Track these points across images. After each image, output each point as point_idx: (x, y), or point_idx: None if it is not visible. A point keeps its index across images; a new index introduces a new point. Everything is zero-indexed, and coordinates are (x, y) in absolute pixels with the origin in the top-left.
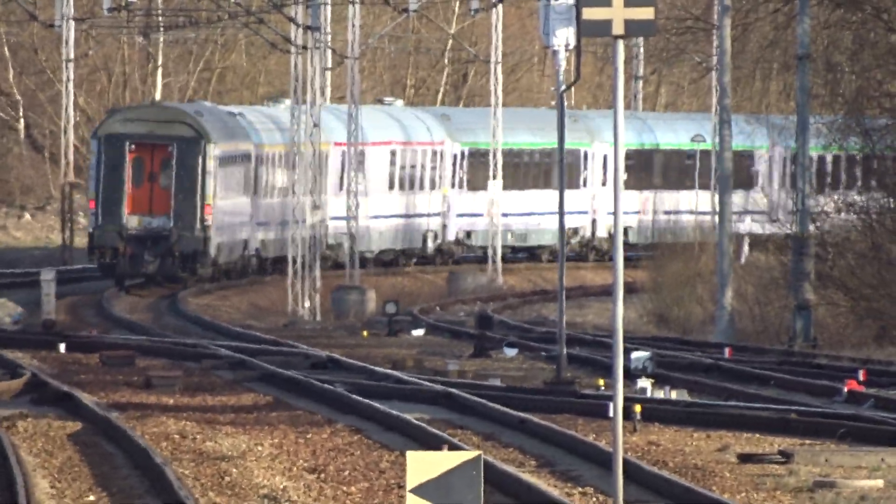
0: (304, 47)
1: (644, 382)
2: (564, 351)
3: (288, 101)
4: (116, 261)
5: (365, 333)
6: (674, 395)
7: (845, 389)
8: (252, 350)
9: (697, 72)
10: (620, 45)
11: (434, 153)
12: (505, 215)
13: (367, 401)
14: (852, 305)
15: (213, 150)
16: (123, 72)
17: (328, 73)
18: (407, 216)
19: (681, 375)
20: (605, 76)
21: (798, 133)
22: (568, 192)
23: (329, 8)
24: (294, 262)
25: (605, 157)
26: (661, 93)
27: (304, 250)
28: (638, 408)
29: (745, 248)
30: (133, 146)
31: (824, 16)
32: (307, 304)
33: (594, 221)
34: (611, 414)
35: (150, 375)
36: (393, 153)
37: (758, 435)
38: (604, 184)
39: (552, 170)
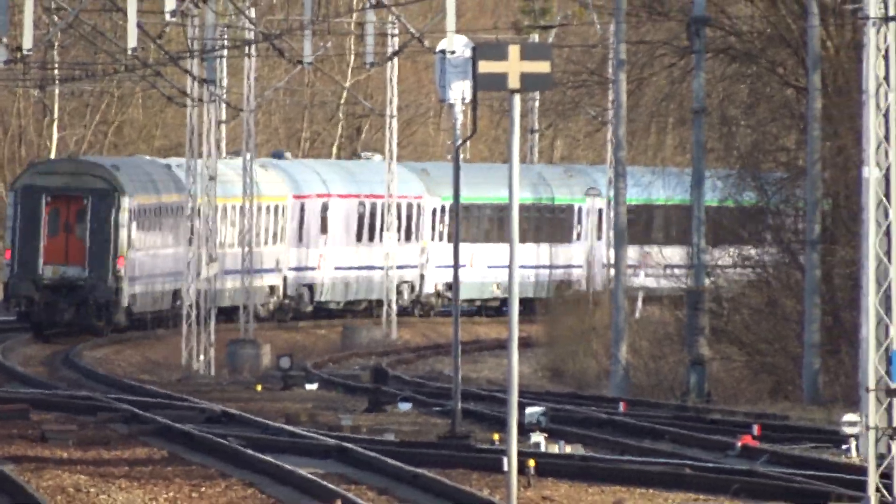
0: (200, 100)
1: (538, 437)
2: (459, 405)
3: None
4: (32, 309)
5: (259, 387)
6: (568, 449)
7: (739, 444)
8: (147, 404)
9: (593, 125)
10: (516, 98)
11: (410, 206)
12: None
13: (260, 455)
14: (747, 360)
15: (128, 203)
16: (19, 125)
17: (223, 126)
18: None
19: (575, 430)
20: (500, 129)
21: (693, 186)
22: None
23: (225, 61)
24: (189, 315)
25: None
26: (557, 146)
27: (199, 303)
28: (532, 462)
29: (640, 302)
30: (49, 198)
31: (719, 69)
32: (202, 357)
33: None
34: (505, 468)
35: (44, 429)
36: (361, 205)
37: (652, 490)
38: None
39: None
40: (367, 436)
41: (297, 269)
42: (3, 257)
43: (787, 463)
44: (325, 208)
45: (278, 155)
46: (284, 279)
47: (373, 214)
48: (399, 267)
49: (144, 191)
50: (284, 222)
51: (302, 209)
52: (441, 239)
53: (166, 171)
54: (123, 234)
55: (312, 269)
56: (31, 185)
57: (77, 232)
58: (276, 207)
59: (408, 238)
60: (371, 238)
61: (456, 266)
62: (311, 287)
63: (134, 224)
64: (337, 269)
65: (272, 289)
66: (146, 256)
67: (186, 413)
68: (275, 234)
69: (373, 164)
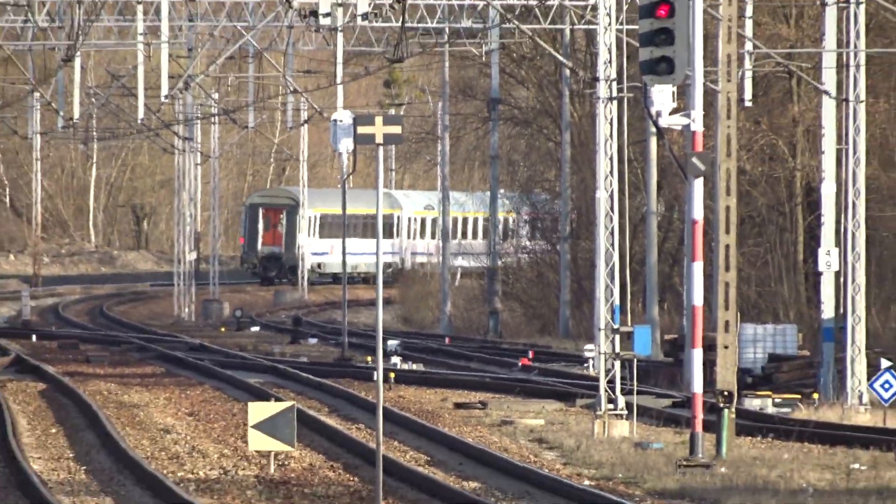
0: (183, 150)
1: (396, 359)
2: (346, 340)
3: None
4: (255, 270)
5: (222, 329)
6: (414, 367)
7: (520, 363)
8: (152, 339)
9: (428, 165)
10: (381, 150)
11: None
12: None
13: (223, 370)
14: (524, 311)
15: (307, 212)
16: (71, 167)
17: (199, 168)
18: None
19: (419, 355)
20: (371, 168)
21: (490, 203)
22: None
23: (199, 126)
24: (179, 282)
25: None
26: (406, 178)
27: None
28: (392, 374)
29: (458, 276)
30: (263, 209)
31: (508, 130)
32: (186, 310)
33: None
34: (375, 378)
35: (88, 355)
36: None
37: (466, 391)
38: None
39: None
40: (290, 359)
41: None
42: (240, 241)
43: (550, 375)
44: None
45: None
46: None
47: None
48: None
49: (322, 205)
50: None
51: None
52: (313, 235)
53: (332, 194)
54: (305, 228)
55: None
56: (253, 202)
57: (278, 228)
58: None
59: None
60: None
61: (344, 253)
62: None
63: (312, 224)
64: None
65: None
66: (321, 242)
67: (177, 344)
68: None
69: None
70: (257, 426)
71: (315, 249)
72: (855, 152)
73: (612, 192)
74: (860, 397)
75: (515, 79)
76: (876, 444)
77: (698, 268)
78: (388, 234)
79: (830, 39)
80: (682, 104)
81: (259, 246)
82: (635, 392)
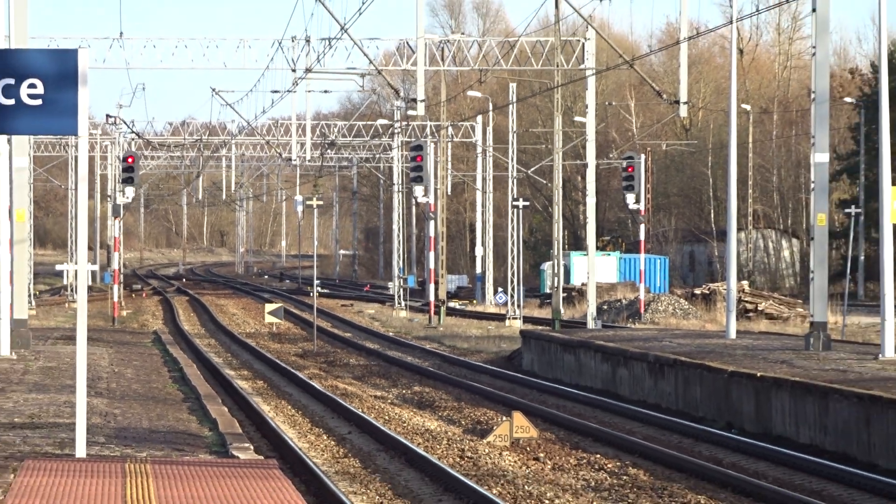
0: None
1: (321, 290)
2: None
3: None
4: None
5: (254, 277)
6: (325, 290)
7: (365, 289)
8: (227, 281)
9: None
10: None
11: None
12: None
13: (254, 292)
14: (367, 269)
15: None
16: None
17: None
18: None
19: (334, 290)
20: None
21: None
22: None
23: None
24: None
25: None
26: None
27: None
28: (316, 292)
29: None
30: None
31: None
32: (240, 269)
33: None
34: (312, 295)
35: (203, 286)
36: None
37: (346, 300)
38: None
39: None
40: (277, 288)
41: None
42: None
43: (377, 291)
44: None
45: None
46: None
47: None
48: None
49: None
50: None
51: None
52: None
53: None
54: None
55: None
56: None
57: None
58: None
59: None
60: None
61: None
62: None
63: None
64: None
65: None
66: None
67: (236, 282)
68: None
69: None
70: (269, 313)
71: None
72: None
73: (402, 219)
74: (492, 302)
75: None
76: (495, 318)
77: (432, 256)
78: None
79: None
80: (426, 192)
81: None
82: (407, 300)
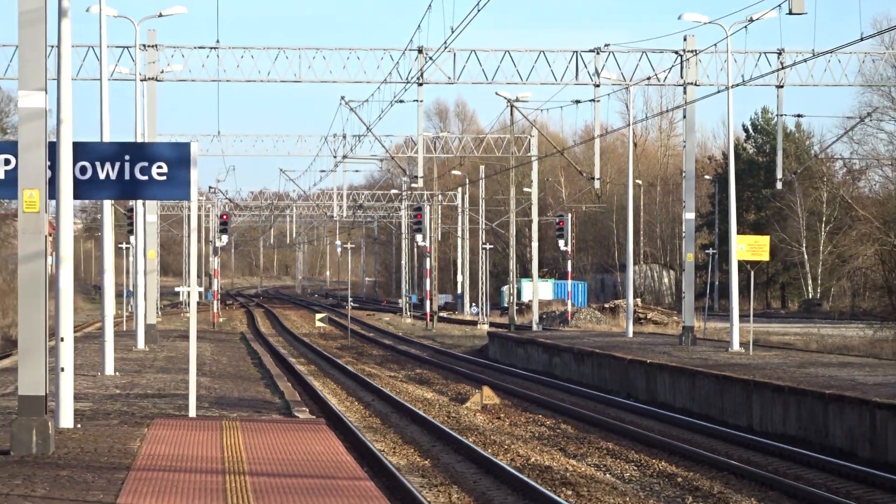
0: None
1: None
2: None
3: None
4: None
5: (310, 295)
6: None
7: (383, 304)
8: (290, 297)
9: None
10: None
11: None
12: None
13: (308, 304)
14: (384, 288)
15: None
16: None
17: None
18: None
19: (368, 306)
20: None
21: None
22: None
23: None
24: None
25: None
26: None
27: None
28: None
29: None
30: None
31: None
32: (299, 290)
33: None
34: (346, 308)
35: (272, 301)
36: None
37: (372, 311)
38: None
39: None
40: (326, 303)
41: None
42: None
43: (391, 305)
44: None
45: None
46: None
47: None
48: None
49: None
50: None
51: None
52: None
53: None
54: None
55: None
56: None
57: None
58: None
59: None
60: None
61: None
62: None
63: None
64: None
65: None
66: None
67: (296, 298)
68: None
69: None
70: (318, 320)
71: None
72: None
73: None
74: (468, 312)
75: (382, 232)
76: (470, 324)
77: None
78: None
79: None
80: (424, 238)
81: None
82: (411, 311)
